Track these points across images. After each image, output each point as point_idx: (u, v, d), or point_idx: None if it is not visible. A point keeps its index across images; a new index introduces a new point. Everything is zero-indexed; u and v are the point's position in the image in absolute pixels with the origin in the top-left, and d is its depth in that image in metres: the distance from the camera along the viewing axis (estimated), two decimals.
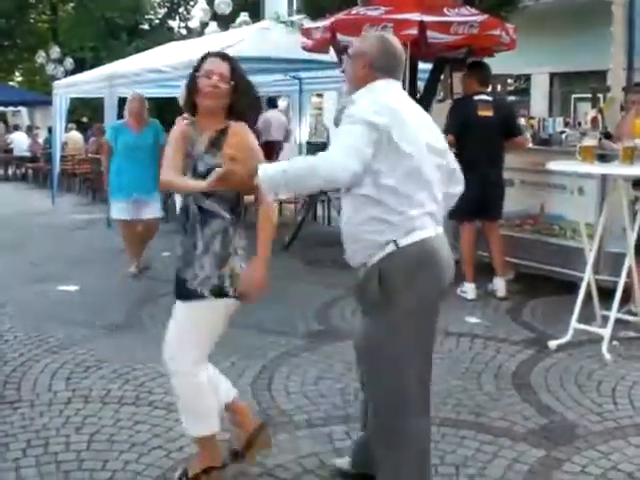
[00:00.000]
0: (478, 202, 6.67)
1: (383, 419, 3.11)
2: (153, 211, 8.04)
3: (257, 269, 3.43)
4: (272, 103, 13.64)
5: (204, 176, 3.16)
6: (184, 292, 3.41)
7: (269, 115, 13.87)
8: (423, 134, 3.03)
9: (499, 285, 6.89)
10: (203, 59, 3.38)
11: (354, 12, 7.39)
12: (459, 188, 3.33)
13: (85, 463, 3.68)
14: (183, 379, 3.40)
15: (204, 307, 3.39)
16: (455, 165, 3.29)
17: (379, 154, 2.87)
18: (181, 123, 3.43)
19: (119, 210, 7.99)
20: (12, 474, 3.57)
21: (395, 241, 2.90)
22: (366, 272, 2.99)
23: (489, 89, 7.24)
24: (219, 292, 3.37)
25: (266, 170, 2.92)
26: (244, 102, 3.35)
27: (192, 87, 3.33)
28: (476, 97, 6.81)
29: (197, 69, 3.34)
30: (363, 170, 2.86)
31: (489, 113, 6.75)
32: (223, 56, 3.42)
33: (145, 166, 7.65)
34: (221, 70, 3.30)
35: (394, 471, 3.09)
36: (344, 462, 3.59)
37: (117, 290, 7.30)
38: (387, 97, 3.03)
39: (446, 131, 6.74)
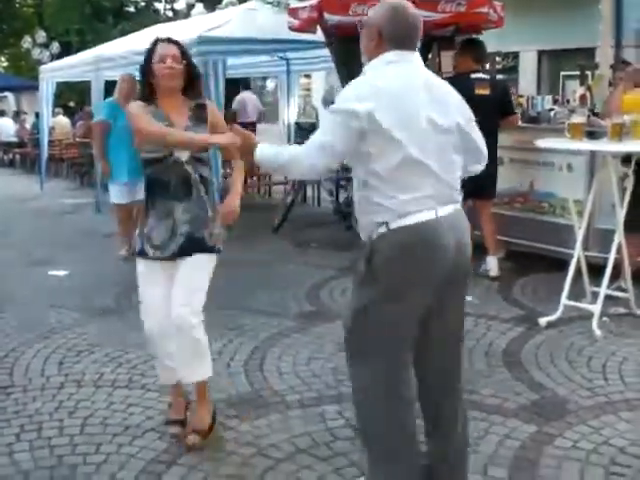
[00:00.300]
0: (472, 181, 6.63)
1: (364, 408, 3.06)
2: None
3: (235, 200, 3.88)
4: (246, 85, 13.65)
5: None
6: (206, 247, 3.74)
7: (244, 96, 13.89)
8: (425, 112, 2.87)
9: (492, 264, 6.86)
10: (154, 45, 3.69)
11: None
12: (477, 167, 3.29)
13: (79, 447, 3.69)
14: (198, 327, 3.72)
15: (215, 260, 3.81)
16: (478, 143, 3.20)
17: (367, 138, 2.81)
18: (136, 103, 3.72)
19: (117, 194, 7.91)
20: (6, 459, 3.58)
21: (387, 223, 2.84)
22: (363, 249, 2.97)
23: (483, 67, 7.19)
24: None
25: (262, 151, 3.05)
26: (198, 82, 3.80)
27: (147, 72, 3.65)
28: (473, 75, 6.72)
29: (150, 56, 3.65)
30: (339, 160, 2.94)
31: (486, 92, 6.67)
32: (171, 40, 3.76)
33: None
34: (172, 52, 3.65)
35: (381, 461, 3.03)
36: None
37: (107, 274, 7.28)
38: (383, 74, 2.92)
39: None
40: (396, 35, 2.94)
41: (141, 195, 7.73)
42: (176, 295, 3.65)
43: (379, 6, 3.07)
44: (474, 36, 7.43)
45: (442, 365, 3.09)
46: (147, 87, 3.69)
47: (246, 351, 5.00)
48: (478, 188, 6.69)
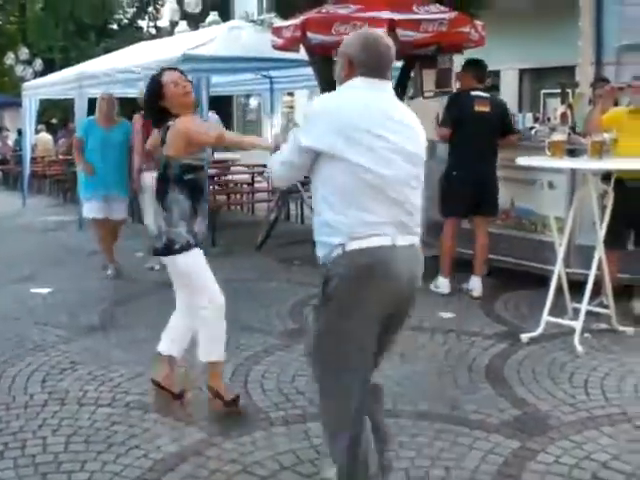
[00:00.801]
0: (472, 198, 6.73)
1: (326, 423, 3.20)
2: (120, 212, 8.12)
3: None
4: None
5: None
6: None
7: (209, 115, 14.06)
8: (387, 138, 2.88)
9: (476, 285, 6.90)
10: (159, 77, 4.20)
11: (324, 10, 7.42)
12: None
13: (63, 465, 3.68)
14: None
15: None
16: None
17: (321, 160, 2.89)
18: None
19: (91, 209, 7.98)
20: None
21: (343, 245, 2.85)
22: (322, 271, 3.00)
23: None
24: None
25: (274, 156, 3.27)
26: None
27: (159, 98, 4.15)
28: (473, 93, 6.82)
29: (158, 85, 4.17)
30: (302, 173, 3.10)
31: (486, 109, 6.76)
32: (171, 68, 4.46)
33: (115, 164, 7.81)
34: (178, 75, 4.23)
35: None
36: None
37: (91, 292, 7.26)
38: (340, 96, 3.00)
39: (442, 124, 6.81)
40: (367, 64, 2.98)
41: (115, 215, 7.96)
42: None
43: (352, 36, 3.13)
44: (449, 55, 7.53)
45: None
46: (159, 113, 4.19)
47: (230, 368, 4.99)
48: (479, 205, 6.78)
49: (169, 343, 4.54)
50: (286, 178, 3.29)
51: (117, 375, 4.90)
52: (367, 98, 2.96)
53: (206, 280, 4.27)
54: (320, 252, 3.01)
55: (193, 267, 4.23)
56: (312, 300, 6.70)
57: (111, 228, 8.11)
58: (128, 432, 4.05)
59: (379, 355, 3.13)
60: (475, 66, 7.08)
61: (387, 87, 3.05)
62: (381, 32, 3.16)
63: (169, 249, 4.16)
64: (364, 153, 2.83)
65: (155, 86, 4.20)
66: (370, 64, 2.99)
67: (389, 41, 3.07)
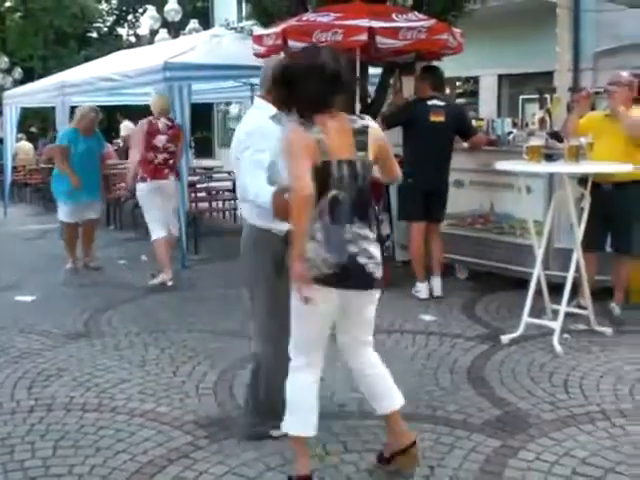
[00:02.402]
0: (424, 205, 6.87)
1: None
2: (96, 211, 8.82)
3: None
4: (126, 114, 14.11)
5: None
6: None
7: (126, 124, 14.23)
8: None
9: (436, 284, 7.03)
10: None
11: (305, 18, 7.48)
12: None
13: (52, 469, 3.72)
14: None
15: None
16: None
17: None
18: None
19: (70, 213, 8.51)
20: None
21: None
22: None
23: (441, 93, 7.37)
24: None
25: None
26: None
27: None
28: (430, 102, 6.92)
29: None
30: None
31: (441, 119, 6.87)
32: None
33: (94, 171, 8.50)
34: None
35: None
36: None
37: (74, 298, 7.29)
38: None
39: (386, 120, 6.98)
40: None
41: (92, 215, 8.51)
42: None
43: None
44: (432, 63, 7.63)
45: None
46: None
47: (215, 373, 5.05)
48: (429, 211, 6.93)
49: None
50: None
51: (102, 381, 4.94)
52: None
53: None
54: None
55: None
56: None
57: (88, 227, 8.71)
58: (115, 436, 4.09)
59: None
60: (430, 73, 7.19)
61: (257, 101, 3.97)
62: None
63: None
64: None
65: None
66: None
67: (267, 61, 3.88)
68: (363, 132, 3.33)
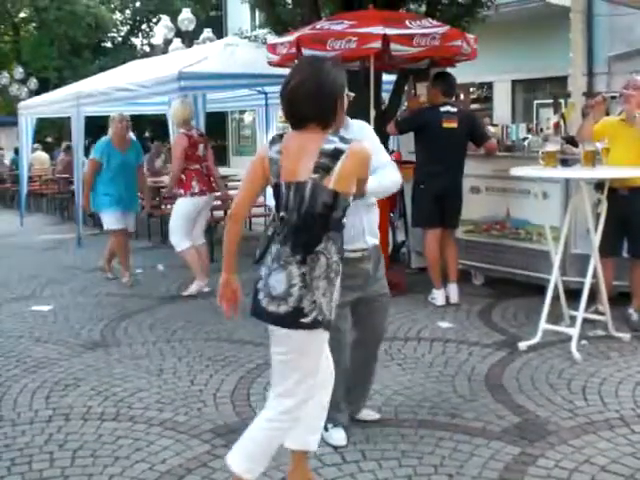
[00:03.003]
0: (439, 211, 6.87)
1: None
2: (131, 224, 8.68)
3: None
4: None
5: None
6: None
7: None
8: None
9: (453, 291, 7.01)
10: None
11: (318, 27, 7.50)
12: None
13: (70, 479, 3.72)
14: None
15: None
16: None
17: None
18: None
19: (114, 221, 8.37)
20: None
21: None
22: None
23: (454, 99, 7.36)
24: None
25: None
26: None
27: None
28: (442, 108, 6.90)
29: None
30: None
31: (454, 125, 6.86)
32: None
33: (132, 184, 8.42)
34: None
35: None
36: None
37: (91, 308, 7.31)
38: None
39: (398, 125, 7.01)
40: None
41: (130, 227, 8.34)
42: None
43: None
44: (445, 69, 7.63)
45: None
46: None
47: (233, 381, 5.05)
48: (444, 218, 6.93)
49: None
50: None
51: (120, 390, 4.95)
52: None
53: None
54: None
55: None
56: None
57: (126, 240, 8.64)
58: (133, 446, 4.09)
59: None
60: (442, 80, 7.17)
61: None
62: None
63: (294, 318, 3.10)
64: None
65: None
66: None
67: None
68: (333, 155, 3.01)
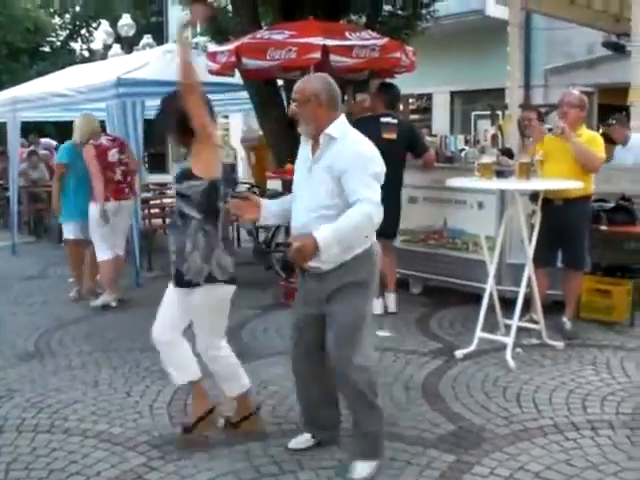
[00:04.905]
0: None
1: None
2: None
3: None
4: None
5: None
6: (184, 282, 4.10)
7: None
8: None
9: (390, 300, 7.04)
10: None
11: (259, 36, 7.51)
12: None
13: None
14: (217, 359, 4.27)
15: (201, 293, 4.06)
16: None
17: None
18: None
19: (73, 230, 7.89)
20: None
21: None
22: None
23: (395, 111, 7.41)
24: (211, 279, 4.03)
25: (323, 236, 3.46)
26: None
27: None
28: (383, 119, 6.90)
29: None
30: None
31: (393, 136, 6.84)
32: None
33: (88, 189, 7.63)
34: None
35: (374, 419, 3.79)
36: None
37: (25, 318, 7.17)
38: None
39: None
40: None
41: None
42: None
43: (318, 77, 3.89)
44: (388, 80, 7.68)
45: None
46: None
47: (169, 392, 4.99)
48: (383, 227, 6.93)
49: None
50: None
51: (55, 401, 4.87)
52: None
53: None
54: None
55: None
56: (251, 321, 6.76)
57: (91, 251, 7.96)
58: (68, 458, 4.03)
59: None
60: (386, 91, 7.16)
61: None
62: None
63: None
64: None
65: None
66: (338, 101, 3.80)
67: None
68: None
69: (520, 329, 5.74)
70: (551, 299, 6.37)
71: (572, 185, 5.71)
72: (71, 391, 5.06)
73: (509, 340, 5.55)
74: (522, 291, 5.64)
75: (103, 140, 7.61)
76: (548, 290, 6.23)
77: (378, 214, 3.60)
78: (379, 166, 3.72)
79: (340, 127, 3.72)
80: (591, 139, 6.07)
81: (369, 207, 3.55)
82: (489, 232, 6.30)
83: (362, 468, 3.74)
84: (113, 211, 7.46)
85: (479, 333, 5.68)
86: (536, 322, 5.96)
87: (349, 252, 3.67)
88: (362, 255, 3.74)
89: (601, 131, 9.10)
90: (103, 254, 7.51)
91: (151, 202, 11.93)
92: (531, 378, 5.20)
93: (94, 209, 7.42)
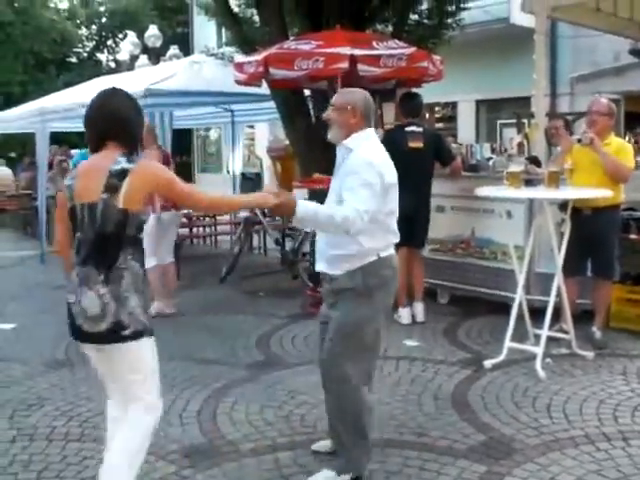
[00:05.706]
0: (406, 230, 6.87)
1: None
2: None
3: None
4: None
5: None
6: None
7: None
8: None
9: (419, 310, 7.04)
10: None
11: (286, 46, 7.54)
12: None
13: None
14: None
15: None
16: None
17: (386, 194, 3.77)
18: None
19: None
20: None
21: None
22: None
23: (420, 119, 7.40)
24: None
25: (304, 208, 3.55)
26: None
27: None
28: (407, 128, 6.92)
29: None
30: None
31: (419, 145, 6.87)
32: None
33: None
34: None
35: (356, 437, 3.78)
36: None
37: (55, 326, 7.19)
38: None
39: None
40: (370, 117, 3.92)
41: None
42: None
43: (355, 90, 3.99)
44: (412, 90, 7.68)
45: None
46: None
47: (198, 401, 5.02)
48: (411, 237, 6.94)
49: None
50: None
51: (85, 410, 4.90)
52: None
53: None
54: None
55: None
56: (279, 330, 6.78)
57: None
58: (98, 466, 4.01)
59: None
60: (409, 100, 7.20)
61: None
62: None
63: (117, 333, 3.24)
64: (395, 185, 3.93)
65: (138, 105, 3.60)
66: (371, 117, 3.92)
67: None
68: (119, 175, 3.16)
69: (550, 339, 5.69)
70: (581, 308, 6.33)
71: (601, 194, 5.67)
72: (100, 399, 5.08)
73: (539, 350, 5.52)
74: (552, 300, 5.60)
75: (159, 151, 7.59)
76: (578, 299, 6.19)
77: (354, 223, 3.56)
78: (377, 176, 3.67)
79: (357, 140, 3.79)
80: (620, 148, 6.03)
81: (351, 213, 3.53)
82: (517, 241, 6.28)
83: (325, 477, 3.78)
84: (173, 220, 7.58)
85: (508, 343, 5.65)
86: (566, 332, 5.91)
87: (352, 261, 3.73)
88: (367, 267, 3.75)
89: (632, 140, 9.02)
90: (154, 261, 7.48)
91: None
92: (561, 388, 5.16)
93: (166, 218, 7.47)
